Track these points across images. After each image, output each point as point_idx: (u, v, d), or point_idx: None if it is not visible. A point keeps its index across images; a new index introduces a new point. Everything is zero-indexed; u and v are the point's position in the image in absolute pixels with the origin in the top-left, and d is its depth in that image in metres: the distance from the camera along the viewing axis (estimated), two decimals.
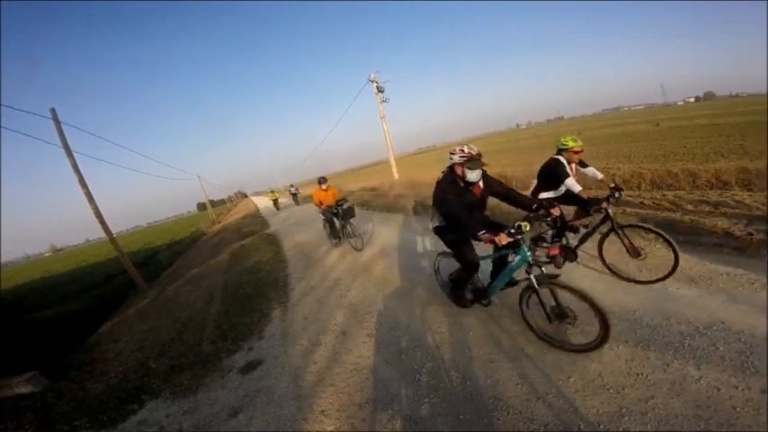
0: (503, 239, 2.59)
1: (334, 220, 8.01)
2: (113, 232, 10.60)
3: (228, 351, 4.37)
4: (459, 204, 2.99)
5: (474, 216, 3.08)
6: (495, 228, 2.90)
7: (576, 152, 3.85)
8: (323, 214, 8.26)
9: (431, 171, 21.85)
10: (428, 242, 6.58)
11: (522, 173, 11.36)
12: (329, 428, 2.64)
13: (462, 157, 2.96)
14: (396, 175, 19.69)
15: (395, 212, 10.72)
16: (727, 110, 40.52)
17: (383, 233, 8.32)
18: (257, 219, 22.26)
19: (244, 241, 13.16)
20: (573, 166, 3.92)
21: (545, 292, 2.75)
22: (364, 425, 2.58)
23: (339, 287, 5.53)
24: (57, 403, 4.21)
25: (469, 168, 2.95)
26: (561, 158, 3.89)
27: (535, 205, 3.10)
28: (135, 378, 4.35)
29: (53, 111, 9.05)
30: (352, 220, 7.59)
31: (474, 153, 2.94)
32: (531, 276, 2.72)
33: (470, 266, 3.30)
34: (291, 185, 25.42)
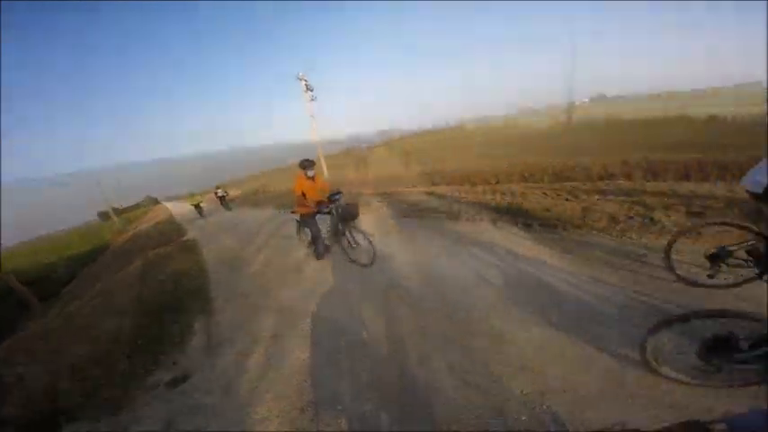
0: None
1: (318, 223, 5.88)
2: None
3: (149, 368, 4.03)
4: None
5: None
6: None
7: None
8: (300, 217, 5.92)
9: (350, 171, 21.85)
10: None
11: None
12: None
13: None
14: (325, 173, 19.80)
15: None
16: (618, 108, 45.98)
17: None
18: (173, 226, 20.49)
19: (158, 250, 12.10)
20: None
21: None
22: (313, 425, 2.57)
23: (269, 290, 5.37)
24: None
25: None
26: None
27: None
28: (46, 402, 3.83)
29: None
30: (354, 222, 5.52)
31: None
32: None
33: None
34: (218, 188, 22.27)
